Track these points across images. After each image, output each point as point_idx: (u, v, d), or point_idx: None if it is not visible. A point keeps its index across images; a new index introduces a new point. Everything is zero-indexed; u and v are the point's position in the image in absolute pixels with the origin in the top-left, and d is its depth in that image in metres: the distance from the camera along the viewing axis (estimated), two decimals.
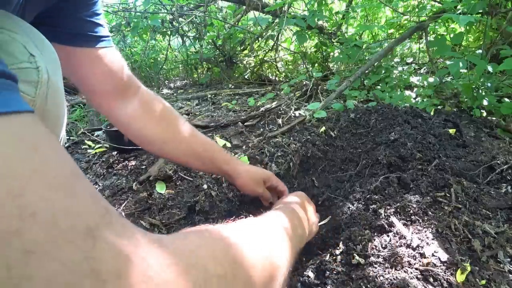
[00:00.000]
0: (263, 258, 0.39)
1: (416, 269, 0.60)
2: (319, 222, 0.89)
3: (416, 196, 0.80)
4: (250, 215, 1.01)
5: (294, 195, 0.80)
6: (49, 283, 0.19)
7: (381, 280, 0.60)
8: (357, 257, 0.66)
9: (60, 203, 0.22)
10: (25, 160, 0.22)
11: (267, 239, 0.46)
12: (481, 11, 1.70)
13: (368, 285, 0.60)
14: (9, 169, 0.21)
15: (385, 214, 0.76)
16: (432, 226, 0.69)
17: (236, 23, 3.29)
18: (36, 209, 0.20)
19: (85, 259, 0.21)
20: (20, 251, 0.18)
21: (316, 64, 3.20)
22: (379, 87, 2.17)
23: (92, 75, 0.68)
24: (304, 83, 2.27)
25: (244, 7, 2.88)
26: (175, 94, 3.08)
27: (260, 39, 3.15)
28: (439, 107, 1.66)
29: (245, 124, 1.63)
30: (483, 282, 0.58)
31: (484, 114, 1.55)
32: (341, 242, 0.71)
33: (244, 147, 1.35)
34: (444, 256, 0.61)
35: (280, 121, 1.59)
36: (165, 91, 3.40)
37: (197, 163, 0.84)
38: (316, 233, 0.76)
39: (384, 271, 0.61)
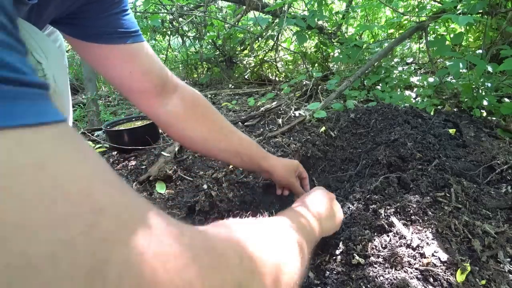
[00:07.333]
0: (277, 269, 0.39)
1: (416, 269, 0.60)
2: None
3: (416, 196, 0.80)
4: (250, 215, 1.01)
5: (313, 191, 0.78)
6: (125, 263, 0.22)
7: (381, 280, 0.60)
8: (357, 257, 0.66)
9: (118, 199, 0.25)
10: (83, 164, 0.25)
11: (284, 253, 0.44)
12: (481, 11, 1.70)
13: (368, 285, 0.60)
14: (74, 172, 0.24)
15: (385, 214, 0.76)
16: (432, 226, 0.69)
17: (236, 23, 3.29)
18: (103, 205, 0.23)
19: (150, 242, 0.24)
20: (98, 240, 0.22)
21: (316, 64, 3.20)
22: (379, 87, 2.17)
23: (127, 74, 0.67)
24: (304, 83, 2.27)
25: (244, 7, 2.88)
26: None
27: (260, 39, 3.15)
28: (439, 107, 1.66)
29: (245, 124, 1.63)
30: (483, 282, 0.58)
31: (484, 114, 1.55)
32: (341, 242, 0.71)
33: None
34: (444, 256, 0.61)
35: (280, 121, 1.59)
36: None
37: (236, 160, 0.85)
38: (339, 225, 0.74)
39: (384, 271, 0.61)
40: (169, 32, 3.27)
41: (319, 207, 0.68)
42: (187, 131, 0.77)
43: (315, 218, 0.63)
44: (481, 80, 1.60)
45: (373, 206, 0.80)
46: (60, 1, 0.56)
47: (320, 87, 2.11)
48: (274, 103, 1.83)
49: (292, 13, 2.72)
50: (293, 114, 1.66)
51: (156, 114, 0.74)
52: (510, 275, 0.60)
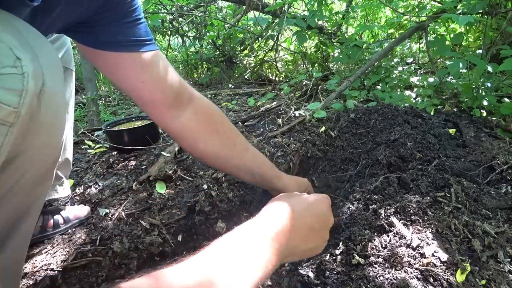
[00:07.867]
0: None
1: (416, 269, 0.60)
2: None
3: (416, 196, 0.80)
4: (250, 215, 1.01)
5: (310, 203, 0.60)
6: None
7: (381, 280, 0.60)
8: (357, 257, 0.66)
9: None
10: None
11: None
12: (481, 11, 1.70)
13: (368, 285, 0.60)
14: None
15: (385, 214, 0.76)
16: (432, 226, 0.69)
17: (236, 23, 3.29)
18: None
19: None
20: None
21: (316, 64, 3.20)
22: (379, 87, 2.17)
23: (139, 83, 0.66)
24: (304, 83, 2.27)
25: (244, 7, 2.88)
26: None
27: (260, 39, 3.15)
28: (439, 107, 1.66)
29: (245, 124, 1.63)
30: (483, 282, 0.58)
31: (484, 114, 1.55)
32: (341, 242, 0.71)
33: None
34: (444, 256, 0.61)
35: (280, 121, 1.59)
36: None
37: (247, 177, 0.84)
38: (309, 256, 0.61)
39: (384, 271, 0.61)
40: (169, 32, 3.27)
41: (293, 235, 0.52)
42: (199, 145, 0.75)
43: (276, 251, 0.47)
44: (481, 80, 1.60)
45: (373, 206, 0.80)
46: (66, 8, 0.55)
47: (320, 87, 2.11)
48: (274, 103, 1.83)
49: (292, 13, 2.72)
50: (293, 114, 1.66)
51: (168, 125, 0.72)
52: (510, 275, 0.60)
